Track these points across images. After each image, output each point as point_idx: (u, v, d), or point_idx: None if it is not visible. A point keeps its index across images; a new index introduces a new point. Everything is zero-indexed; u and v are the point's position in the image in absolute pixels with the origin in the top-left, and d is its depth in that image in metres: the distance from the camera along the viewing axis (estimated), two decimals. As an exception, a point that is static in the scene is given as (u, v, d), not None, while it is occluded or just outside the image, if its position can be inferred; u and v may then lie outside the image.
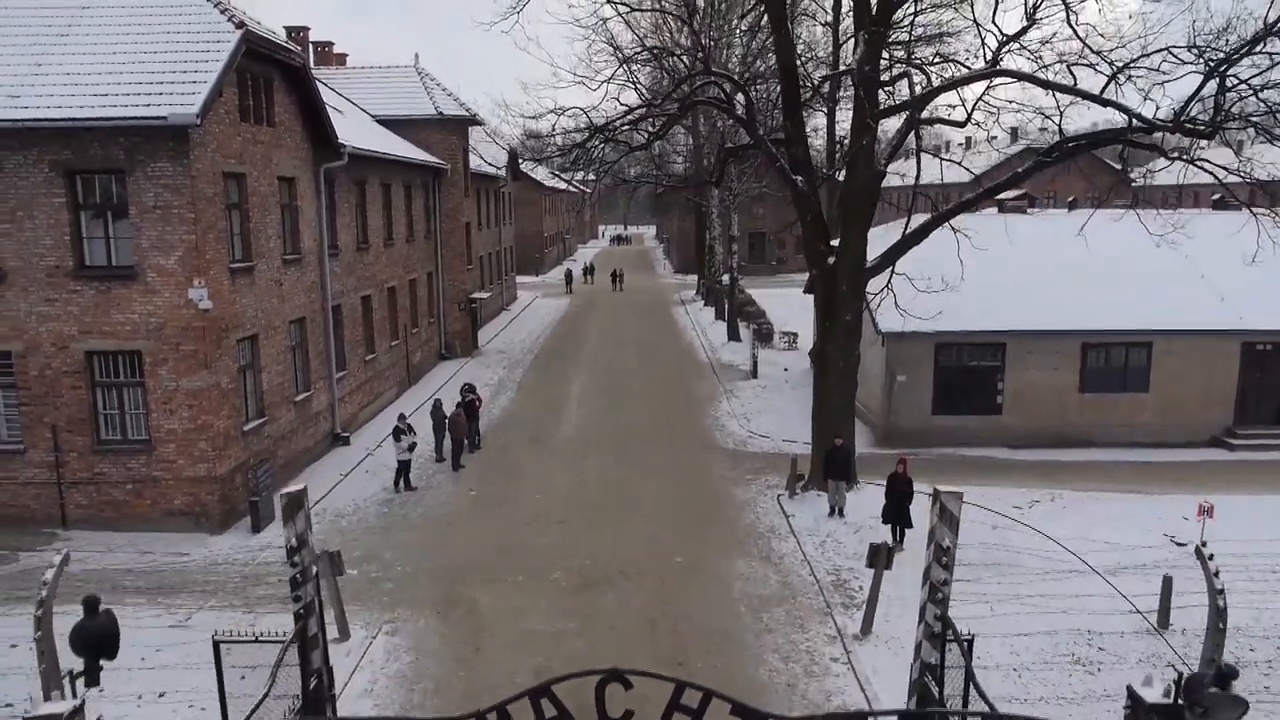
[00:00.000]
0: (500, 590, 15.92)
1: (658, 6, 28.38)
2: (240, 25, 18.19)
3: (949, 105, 47.85)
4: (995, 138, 61.54)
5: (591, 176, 30.19)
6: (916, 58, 22.21)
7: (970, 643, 9.22)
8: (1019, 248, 25.55)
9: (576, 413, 29.06)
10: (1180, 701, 6.17)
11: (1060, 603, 14.87)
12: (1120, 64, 17.54)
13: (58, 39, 17.96)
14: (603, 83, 22.70)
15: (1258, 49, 16.82)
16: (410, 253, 33.33)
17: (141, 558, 17.10)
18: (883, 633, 14.09)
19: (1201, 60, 17.04)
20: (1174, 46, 17.18)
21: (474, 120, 37.68)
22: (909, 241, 20.15)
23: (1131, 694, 6.57)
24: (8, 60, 17.50)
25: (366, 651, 13.71)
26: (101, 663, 9.26)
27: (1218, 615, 10.74)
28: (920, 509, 16.12)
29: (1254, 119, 17.89)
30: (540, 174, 67.02)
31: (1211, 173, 17.86)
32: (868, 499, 19.40)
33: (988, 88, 19.33)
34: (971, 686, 8.42)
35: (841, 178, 24.31)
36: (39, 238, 17.26)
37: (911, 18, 22.61)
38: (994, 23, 19.97)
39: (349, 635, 14.04)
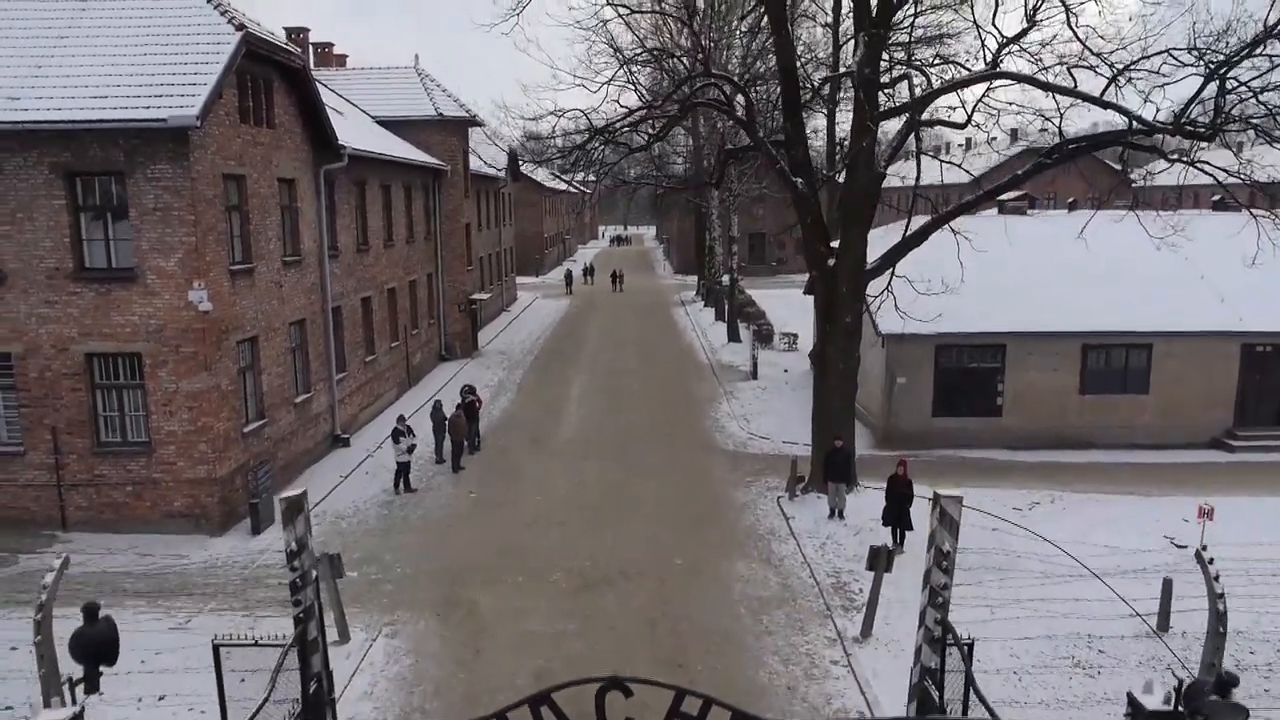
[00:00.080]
0: (500, 592, 15.92)
1: (658, 8, 28.38)
2: (240, 27, 18.18)
3: (949, 107, 47.74)
4: (995, 139, 61.59)
5: (592, 177, 30.20)
6: (916, 59, 22.18)
7: (970, 647, 9.22)
8: (1019, 249, 25.54)
9: (576, 414, 29.05)
10: (1180, 709, 6.16)
11: (1060, 606, 14.87)
12: (1120, 66, 17.52)
13: (57, 41, 17.95)
14: (603, 84, 22.75)
15: (1258, 51, 16.82)
16: (410, 254, 33.33)
17: (141, 560, 17.10)
18: (883, 635, 14.09)
19: (1202, 63, 17.03)
20: (1174, 49, 17.18)
21: (474, 121, 37.69)
22: (909, 243, 20.14)
23: (1132, 701, 6.56)
24: (7, 62, 17.49)
25: (366, 654, 13.71)
26: (101, 670, 9.25)
27: (1218, 620, 10.73)
28: (920, 511, 16.12)
29: (1254, 121, 17.88)
30: (540, 175, 66.98)
31: (1211, 174, 17.86)
32: (868, 501, 19.39)
33: (988, 89, 19.31)
34: (971, 691, 8.43)
35: (841, 179, 24.29)
36: (39, 239, 17.26)
37: (911, 19, 22.58)
38: (994, 24, 19.93)
39: (349, 638, 14.04)
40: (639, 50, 31.23)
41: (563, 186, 79.25)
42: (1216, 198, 30.09)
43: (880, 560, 13.86)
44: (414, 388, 32.49)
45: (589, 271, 73.32)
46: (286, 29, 33.84)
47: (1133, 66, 17.44)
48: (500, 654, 13.74)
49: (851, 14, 22.16)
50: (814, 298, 23.24)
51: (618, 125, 21.73)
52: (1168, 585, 14.34)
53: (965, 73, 19.87)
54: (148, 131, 16.78)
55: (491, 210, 49.29)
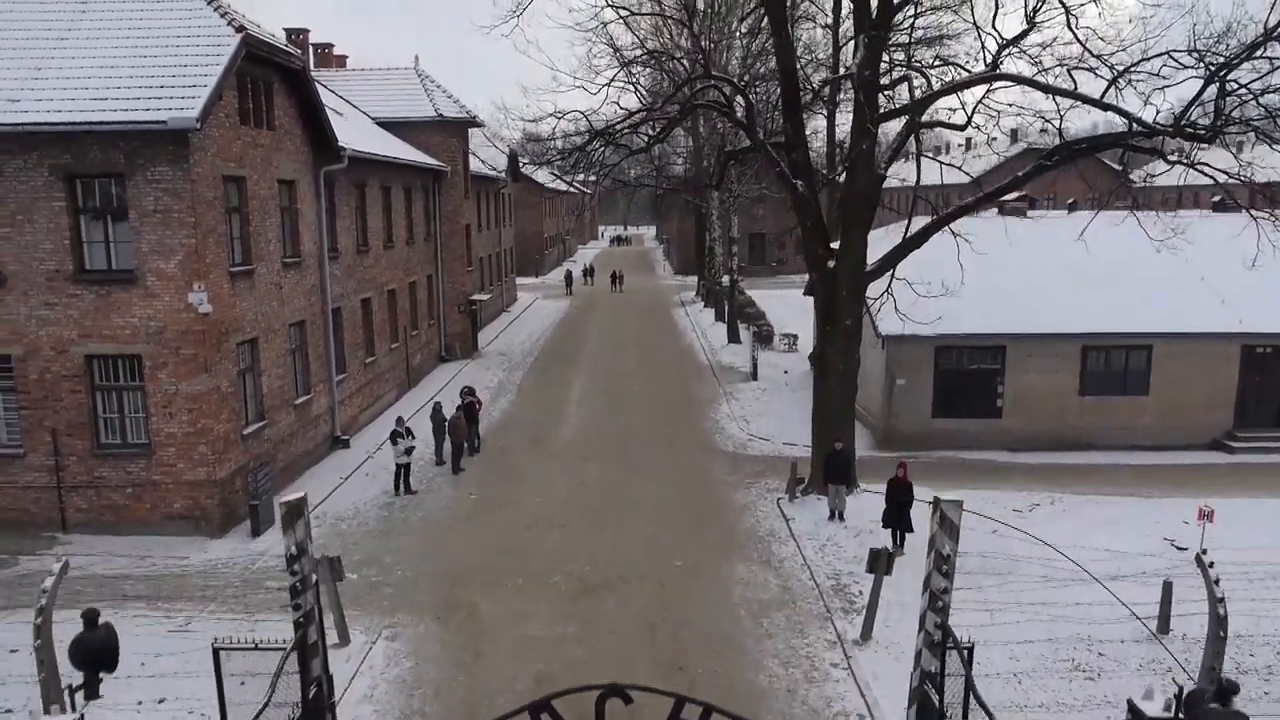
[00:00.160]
0: (500, 594, 15.91)
1: (657, 9, 28.37)
2: (240, 29, 18.16)
3: (949, 108, 47.88)
4: (995, 140, 61.63)
5: (592, 178, 30.18)
6: (916, 61, 22.18)
7: (970, 650, 9.22)
8: (1019, 250, 25.55)
9: (576, 415, 29.04)
10: (1180, 716, 6.16)
11: (1060, 609, 14.85)
12: (1120, 68, 17.51)
13: (57, 43, 17.94)
14: (603, 86, 22.79)
15: (1258, 54, 16.80)
16: (410, 255, 33.32)
17: (141, 562, 17.09)
18: (883, 638, 14.08)
19: (1202, 64, 17.01)
20: (1174, 51, 17.16)
21: (474, 122, 37.68)
22: (909, 245, 20.13)
23: (1132, 707, 6.56)
24: (7, 64, 17.48)
25: (366, 657, 13.70)
26: (101, 676, 9.25)
27: (1218, 624, 10.73)
28: (920, 513, 16.12)
29: (1254, 123, 17.88)
30: (540, 176, 67.00)
31: (1212, 176, 17.85)
32: (868, 503, 19.38)
33: (988, 91, 19.29)
34: (971, 695, 8.43)
35: (841, 181, 24.28)
36: (39, 241, 17.25)
37: (911, 21, 22.60)
38: (994, 26, 20.05)
39: (349, 640, 14.03)
40: (639, 52, 31.24)
41: (563, 187, 79.30)
42: (1217, 199, 30.09)
43: (880, 562, 13.85)
44: (414, 389, 32.48)
45: (589, 272, 73.28)
46: (286, 30, 33.86)
47: (1133, 68, 17.44)
48: (500, 657, 13.73)
49: (851, 15, 22.17)
50: (814, 299, 23.23)
51: (618, 127, 21.72)
52: (1168, 588, 14.33)
53: (965, 74, 19.84)
54: (148, 133, 16.76)
55: (491, 211, 49.29)
